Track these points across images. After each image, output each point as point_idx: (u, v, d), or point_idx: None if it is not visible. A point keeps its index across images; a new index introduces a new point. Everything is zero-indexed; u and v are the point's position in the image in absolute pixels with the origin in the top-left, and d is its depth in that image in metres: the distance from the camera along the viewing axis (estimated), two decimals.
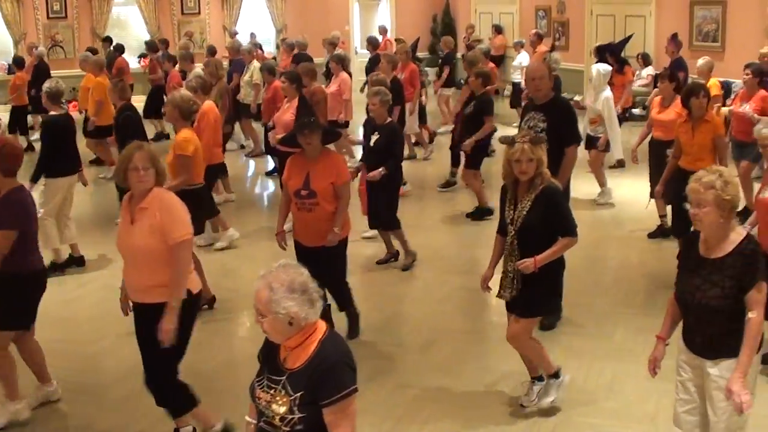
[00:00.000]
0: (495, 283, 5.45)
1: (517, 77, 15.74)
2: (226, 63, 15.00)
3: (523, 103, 10.38)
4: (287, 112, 9.09)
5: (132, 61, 16.56)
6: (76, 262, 8.67)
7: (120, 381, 6.08)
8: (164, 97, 14.10)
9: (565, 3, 19.32)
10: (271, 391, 3.28)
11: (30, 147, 13.80)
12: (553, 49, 15.28)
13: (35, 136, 14.15)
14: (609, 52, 12.73)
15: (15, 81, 14.89)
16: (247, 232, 9.64)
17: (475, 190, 10.26)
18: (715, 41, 15.74)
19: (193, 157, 7.19)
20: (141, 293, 4.83)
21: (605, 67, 10.65)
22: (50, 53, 18.18)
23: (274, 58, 17.99)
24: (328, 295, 6.10)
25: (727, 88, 10.84)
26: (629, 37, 13.79)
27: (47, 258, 7.14)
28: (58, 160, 8.28)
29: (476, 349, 6.56)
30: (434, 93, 16.37)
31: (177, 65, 13.81)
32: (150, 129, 13.24)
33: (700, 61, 11.02)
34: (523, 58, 16.15)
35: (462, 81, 14.42)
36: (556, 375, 5.54)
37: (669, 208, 8.64)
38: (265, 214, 11.09)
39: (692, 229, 4.18)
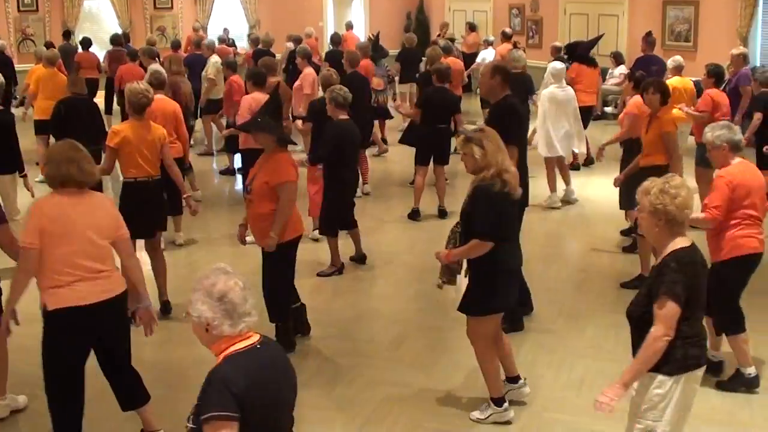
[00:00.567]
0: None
1: None
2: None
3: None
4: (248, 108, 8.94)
5: (102, 55, 16.31)
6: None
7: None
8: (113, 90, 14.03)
9: (539, 1, 19.38)
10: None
11: None
12: (515, 46, 15.03)
13: None
14: (570, 50, 12.90)
15: None
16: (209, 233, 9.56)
17: (415, 186, 10.04)
18: (687, 41, 15.89)
19: (118, 149, 6.91)
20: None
21: (555, 65, 10.69)
22: (21, 47, 17.89)
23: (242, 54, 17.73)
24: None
25: (698, 87, 10.87)
26: (599, 37, 13.81)
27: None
28: None
29: (447, 346, 6.54)
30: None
31: (137, 60, 13.57)
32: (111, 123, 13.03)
33: (669, 61, 11.16)
34: (487, 55, 16.06)
35: (417, 76, 14.18)
36: (497, 402, 5.32)
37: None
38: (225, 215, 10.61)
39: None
